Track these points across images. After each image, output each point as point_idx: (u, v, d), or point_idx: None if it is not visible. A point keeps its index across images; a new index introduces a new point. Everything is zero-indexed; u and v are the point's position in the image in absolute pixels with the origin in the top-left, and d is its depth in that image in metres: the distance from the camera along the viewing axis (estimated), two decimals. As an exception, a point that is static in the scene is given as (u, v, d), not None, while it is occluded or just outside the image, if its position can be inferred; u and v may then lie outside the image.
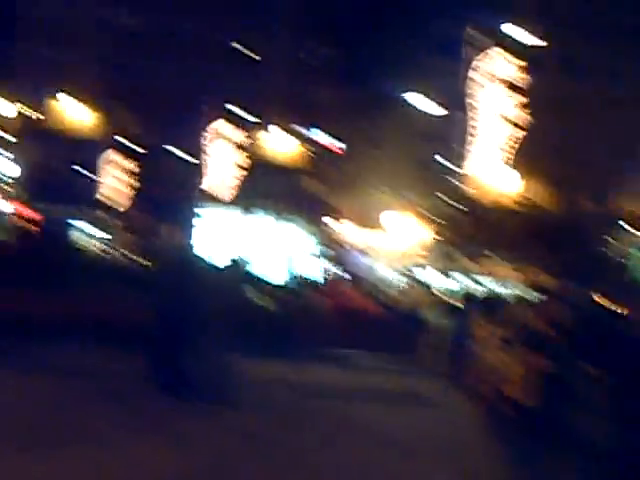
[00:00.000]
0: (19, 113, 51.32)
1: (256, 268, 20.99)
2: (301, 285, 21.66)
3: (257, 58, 50.44)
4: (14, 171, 50.24)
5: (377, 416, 12.04)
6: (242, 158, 46.81)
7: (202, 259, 13.42)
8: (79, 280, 16.49)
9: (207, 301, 11.73)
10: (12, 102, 49.87)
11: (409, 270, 37.69)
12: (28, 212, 43.40)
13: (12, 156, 50.38)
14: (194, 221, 33.88)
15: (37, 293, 15.27)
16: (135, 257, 22.49)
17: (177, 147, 47.45)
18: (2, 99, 48.72)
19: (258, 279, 19.87)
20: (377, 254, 42.19)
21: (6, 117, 50.26)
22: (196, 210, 36.98)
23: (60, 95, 51.59)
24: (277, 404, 11.96)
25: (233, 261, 17.21)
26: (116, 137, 49.09)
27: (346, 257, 40.52)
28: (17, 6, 53.49)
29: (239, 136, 47.01)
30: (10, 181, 49.89)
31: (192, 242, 16.20)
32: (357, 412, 12.18)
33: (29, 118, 51.51)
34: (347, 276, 34.02)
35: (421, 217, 42.16)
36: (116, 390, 11.37)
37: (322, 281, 27.66)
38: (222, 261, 16.77)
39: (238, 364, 11.85)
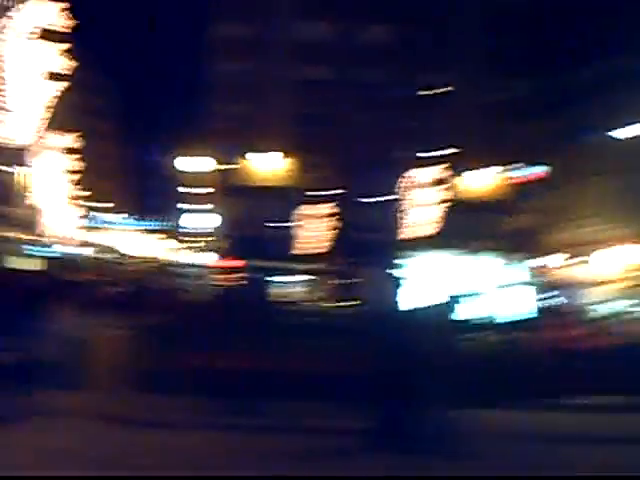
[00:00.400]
0: (215, 169, 52.16)
1: (467, 309, 19.63)
2: (517, 325, 20.13)
3: (450, 98, 49.58)
4: (212, 225, 51.07)
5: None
6: (441, 198, 45.56)
7: (410, 305, 12.34)
8: (285, 334, 15.79)
9: (421, 348, 11.00)
10: (209, 158, 50.91)
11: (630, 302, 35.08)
12: (229, 264, 43.86)
13: (210, 210, 51.27)
14: (397, 266, 33.09)
15: (243, 348, 14.40)
16: (340, 306, 21.57)
17: (375, 192, 46.92)
18: (199, 156, 49.92)
19: (469, 321, 18.56)
20: (593, 286, 39.72)
21: (203, 173, 51.22)
22: (398, 254, 35.99)
23: (255, 149, 52.42)
24: (518, 455, 10.42)
25: (443, 304, 15.91)
26: (312, 187, 48.93)
27: (563, 291, 38.18)
28: (208, 69, 55.26)
29: (437, 177, 45.93)
30: (209, 234, 50.75)
31: (397, 288, 14.89)
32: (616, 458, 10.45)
33: (225, 173, 52.51)
34: (566, 311, 31.77)
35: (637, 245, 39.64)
36: (337, 446, 10.67)
37: (539, 319, 25.70)
38: (430, 304, 15.47)
39: (468, 413, 11.06)
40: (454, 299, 17.82)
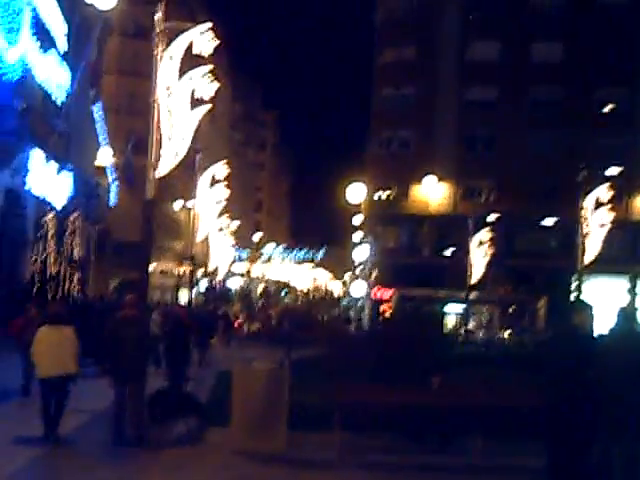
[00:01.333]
0: (377, 196, 51.28)
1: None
2: None
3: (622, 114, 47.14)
4: (372, 255, 50.30)
5: None
6: (612, 219, 42.88)
7: (598, 331, 10.77)
8: (458, 365, 14.82)
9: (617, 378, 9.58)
10: (369, 186, 50.08)
11: None
12: (390, 294, 42.96)
13: (370, 240, 50.49)
14: (577, 291, 31.43)
15: (410, 382, 12.97)
16: (514, 335, 19.78)
17: (548, 215, 44.92)
18: (359, 187, 49.18)
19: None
20: None
21: (363, 201, 50.42)
22: (575, 279, 33.84)
23: (420, 175, 51.14)
24: None
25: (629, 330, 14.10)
26: (478, 212, 47.19)
27: None
28: (373, 95, 54.68)
29: (606, 197, 43.30)
30: (368, 264, 50.01)
31: (586, 314, 13.23)
32: None
33: (386, 200, 51.55)
34: None
35: None
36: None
37: None
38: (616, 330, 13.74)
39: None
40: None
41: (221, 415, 12.16)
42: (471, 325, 35.63)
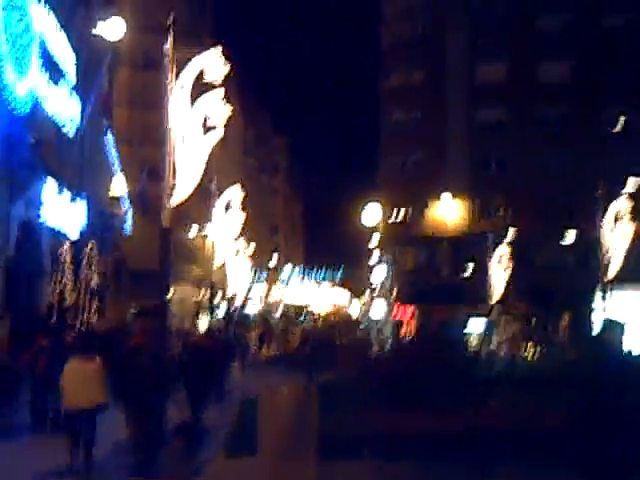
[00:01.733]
0: (395, 219, 51.08)
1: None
2: None
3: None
4: (390, 275, 50.14)
5: None
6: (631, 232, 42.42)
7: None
8: (485, 387, 14.45)
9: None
10: (385, 207, 50.11)
11: None
12: (411, 314, 42.76)
13: (388, 260, 50.33)
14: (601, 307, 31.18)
15: (441, 406, 12.67)
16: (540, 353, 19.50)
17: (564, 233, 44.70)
18: (374, 208, 49.19)
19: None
20: None
21: (380, 222, 50.35)
22: (599, 294, 33.54)
23: (432, 196, 51.13)
24: None
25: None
26: (493, 231, 46.92)
27: None
28: (382, 119, 54.69)
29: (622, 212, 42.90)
30: (387, 285, 49.85)
31: (617, 330, 12.94)
32: None
33: (405, 223, 51.82)
34: None
35: None
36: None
37: None
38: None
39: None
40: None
41: (247, 443, 11.84)
42: (494, 343, 35.19)
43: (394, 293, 48.11)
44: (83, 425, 11.71)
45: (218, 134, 15.13)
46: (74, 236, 30.13)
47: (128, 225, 38.39)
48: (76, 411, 11.61)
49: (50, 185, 27.41)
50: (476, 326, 41.04)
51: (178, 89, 14.74)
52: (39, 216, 26.86)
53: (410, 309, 47.38)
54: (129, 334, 16.20)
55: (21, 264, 26.27)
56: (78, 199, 30.64)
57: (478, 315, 42.18)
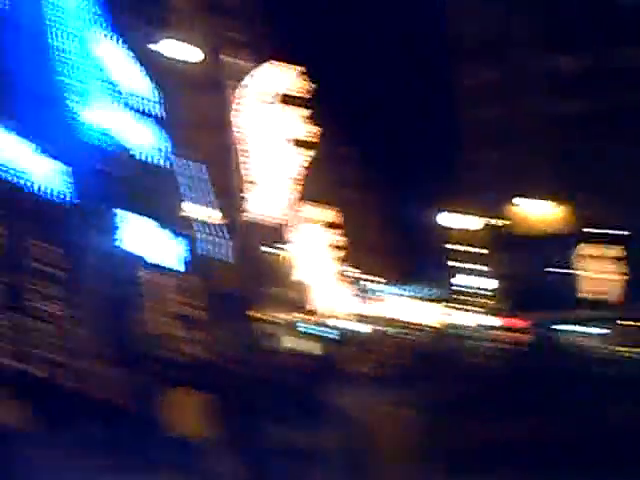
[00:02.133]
0: (483, 222, 50.07)
1: None
2: None
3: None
4: (488, 283, 49.46)
5: None
6: None
7: None
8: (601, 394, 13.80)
9: None
10: (473, 211, 49.33)
11: None
12: (513, 322, 41.72)
13: (483, 267, 49.68)
14: None
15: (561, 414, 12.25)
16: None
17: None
18: (464, 210, 48.53)
19: None
20: None
21: (471, 228, 49.70)
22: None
23: (520, 197, 49.75)
24: None
25: None
26: (589, 227, 45.65)
27: None
28: (461, 118, 53.79)
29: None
30: (485, 293, 49.24)
31: None
32: None
33: (493, 225, 50.61)
34: None
35: None
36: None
37: None
38: None
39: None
40: None
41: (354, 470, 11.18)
42: (602, 344, 34.24)
43: (494, 300, 47.53)
44: None
45: (303, 151, 14.47)
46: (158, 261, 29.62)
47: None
48: None
49: (129, 214, 26.92)
50: (582, 328, 39.36)
51: (252, 101, 14.06)
52: (119, 246, 26.43)
53: (511, 317, 46.32)
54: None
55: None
56: (158, 227, 30.17)
57: (584, 318, 41.01)
